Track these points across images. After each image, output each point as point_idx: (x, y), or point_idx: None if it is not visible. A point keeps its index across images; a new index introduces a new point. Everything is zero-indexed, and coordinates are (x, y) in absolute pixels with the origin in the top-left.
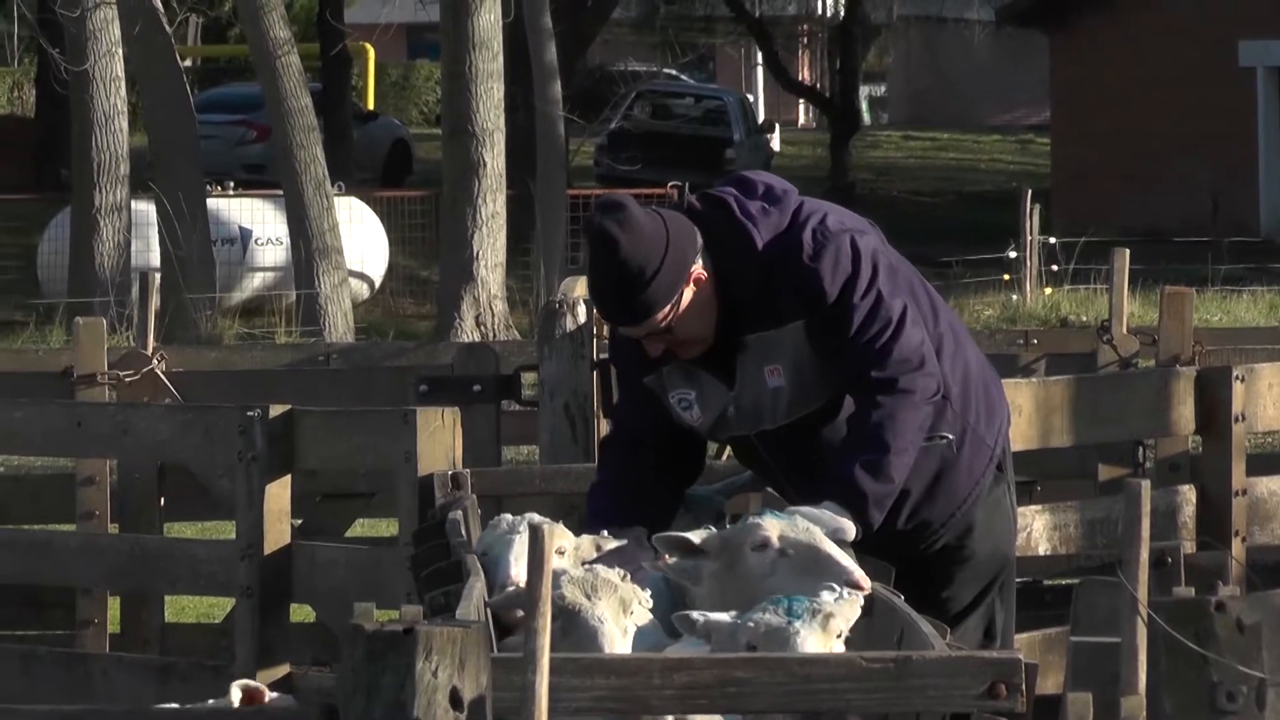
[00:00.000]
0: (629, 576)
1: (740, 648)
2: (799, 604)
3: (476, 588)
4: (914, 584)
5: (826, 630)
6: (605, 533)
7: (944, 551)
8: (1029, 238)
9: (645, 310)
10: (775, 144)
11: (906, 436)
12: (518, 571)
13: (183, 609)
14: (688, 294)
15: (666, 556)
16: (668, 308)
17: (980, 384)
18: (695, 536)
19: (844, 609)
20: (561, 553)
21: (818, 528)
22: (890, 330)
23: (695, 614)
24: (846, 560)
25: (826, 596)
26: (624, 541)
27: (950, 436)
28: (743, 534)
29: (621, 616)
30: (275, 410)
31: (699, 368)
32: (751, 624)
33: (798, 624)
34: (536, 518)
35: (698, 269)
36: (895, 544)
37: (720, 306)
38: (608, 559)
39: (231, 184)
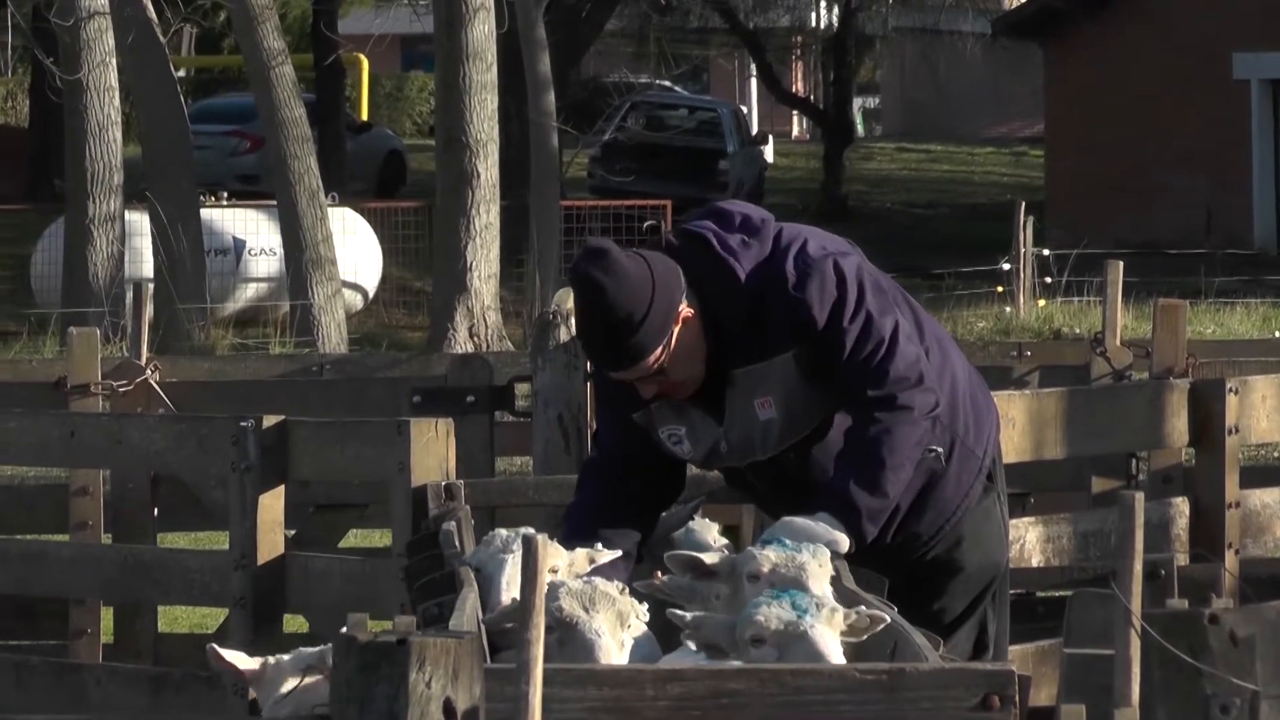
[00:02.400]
0: (626, 590)
1: (742, 643)
2: (801, 599)
3: (470, 599)
4: (905, 596)
5: (832, 624)
6: (599, 545)
7: (935, 563)
8: (1023, 250)
9: (636, 355)
10: (769, 156)
11: (903, 452)
12: (510, 596)
13: (176, 619)
14: (677, 334)
15: (660, 574)
16: (658, 350)
17: (967, 395)
18: (708, 558)
19: (840, 606)
20: (555, 571)
21: (813, 562)
22: (884, 349)
23: (686, 614)
24: (829, 599)
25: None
26: (618, 553)
27: (939, 449)
28: (744, 563)
29: (619, 630)
30: (269, 421)
31: (687, 403)
32: (760, 617)
33: (808, 618)
34: (531, 532)
35: (685, 308)
36: (886, 556)
37: (708, 342)
38: (603, 572)
39: (225, 194)
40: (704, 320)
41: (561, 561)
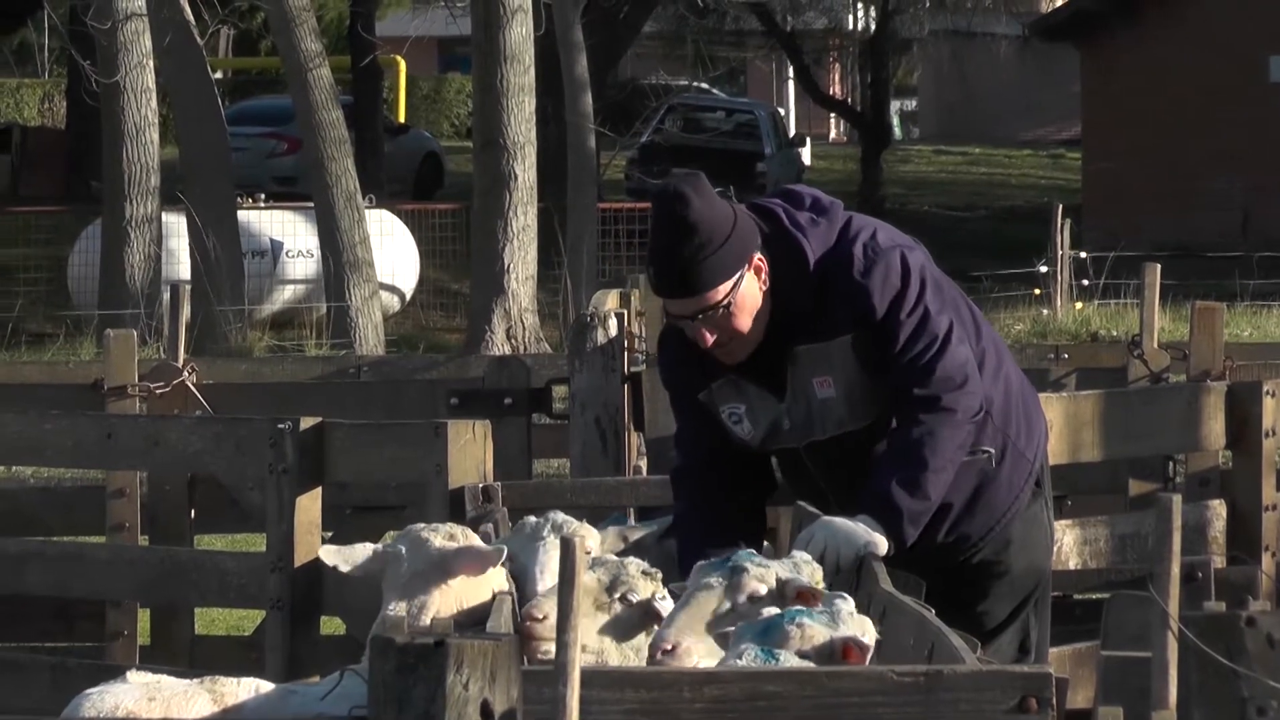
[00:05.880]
0: (660, 574)
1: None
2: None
3: (506, 602)
4: (951, 598)
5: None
6: (631, 520)
7: (981, 566)
8: (1060, 252)
9: (707, 282)
10: (806, 158)
11: (945, 454)
12: (543, 586)
13: (213, 621)
14: (748, 280)
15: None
16: (728, 285)
17: (1020, 400)
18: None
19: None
20: (589, 552)
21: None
22: (935, 347)
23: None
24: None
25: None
26: (653, 528)
27: (992, 451)
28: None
29: (602, 593)
30: (306, 423)
31: (747, 382)
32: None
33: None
34: (561, 516)
35: (759, 258)
36: (934, 557)
37: (772, 311)
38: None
39: (262, 196)
40: (770, 286)
41: (594, 542)
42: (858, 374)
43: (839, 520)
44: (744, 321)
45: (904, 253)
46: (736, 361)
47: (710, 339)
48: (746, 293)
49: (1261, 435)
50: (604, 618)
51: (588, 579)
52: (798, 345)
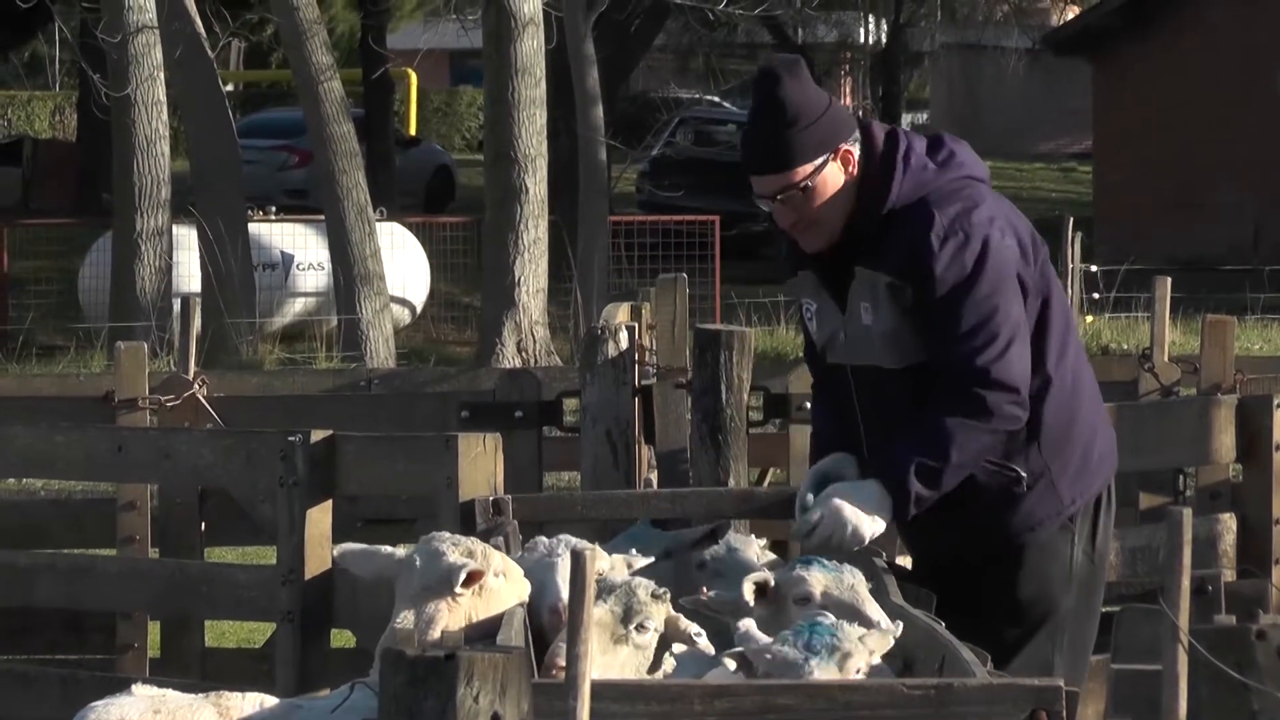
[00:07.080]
0: (668, 594)
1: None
2: (819, 638)
3: (517, 614)
4: (956, 614)
5: (844, 669)
6: (634, 550)
7: (986, 581)
8: (1070, 266)
9: (789, 159)
10: None
11: (969, 455)
12: (564, 591)
13: (223, 634)
14: (832, 168)
15: (706, 589)
16: (809, 167)
17: (1083, 443)
18: (748, 590)
19: (864, 649)
20: (600, 574)
21: (861, 585)
22: (999, 349)
23: (743, 625)
24: (885, 622)
25: (850, 632)
26: (651, 559)
27: (1022, 474)
28: (788, 585)
29: (618, 625)
30: (317, 435)
31: (821, 285)
32: (769, 655)
33: (814, 661)
34: (572, 539)
35: (848, 149)
36: (942, 576)
37: (849, 219)
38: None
39: (273, 209)
40: (854, 197)
41: (604, 564)
42: (890, 317)
43: (846, 506)
44: (822, 209)
45: (991, 237)
46: (814, 250)
47: (789, 221)
48: (828, 178)
49: (1272, 448)
50: (624, 649)
51: (601, 612)
52: (858, 265)
